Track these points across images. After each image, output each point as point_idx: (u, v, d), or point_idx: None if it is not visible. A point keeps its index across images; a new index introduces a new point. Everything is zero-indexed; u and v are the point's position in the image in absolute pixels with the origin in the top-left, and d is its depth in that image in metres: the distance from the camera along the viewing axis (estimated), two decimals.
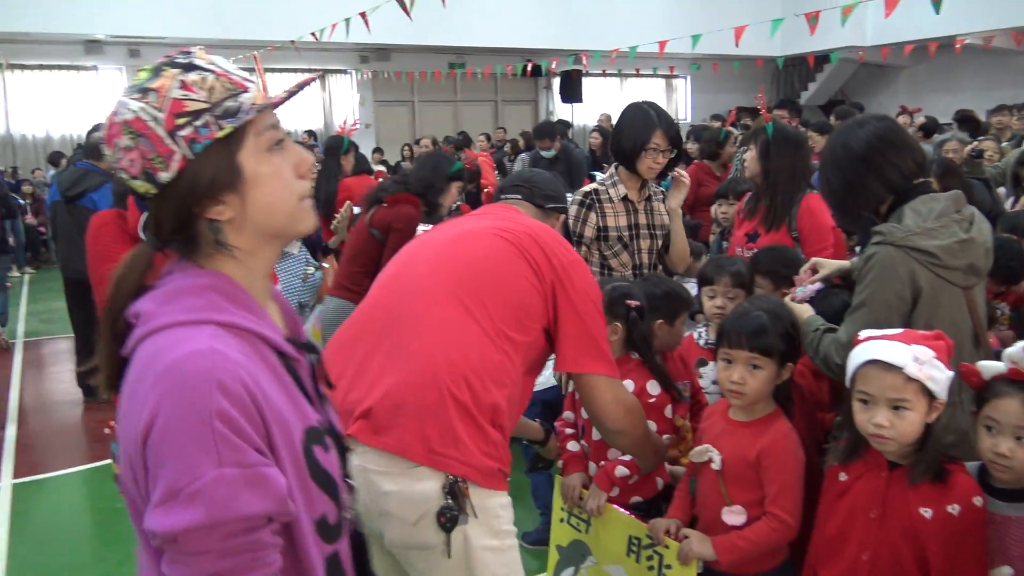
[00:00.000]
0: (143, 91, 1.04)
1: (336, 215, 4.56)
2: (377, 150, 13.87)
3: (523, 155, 12.29)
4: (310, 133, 13.94)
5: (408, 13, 6.10)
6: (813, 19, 6.94)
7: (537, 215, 2.25)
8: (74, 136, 13.74)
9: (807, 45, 13.56)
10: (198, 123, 1.03)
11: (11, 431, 5.25)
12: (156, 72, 1.06)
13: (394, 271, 2.07)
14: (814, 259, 2.46)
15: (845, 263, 2.42)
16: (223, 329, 1.02)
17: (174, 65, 1.06)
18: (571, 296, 1.94)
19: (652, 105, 3.16)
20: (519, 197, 2.29)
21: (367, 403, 1.78)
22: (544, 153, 7.86)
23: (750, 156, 3.47)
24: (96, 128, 6.39)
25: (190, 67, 1.06)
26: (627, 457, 2.30)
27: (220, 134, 1.04)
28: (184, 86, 1.04)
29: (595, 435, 2.34)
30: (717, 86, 18.30)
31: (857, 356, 1.79)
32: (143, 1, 12.65)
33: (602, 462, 2.37)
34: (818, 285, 2.35)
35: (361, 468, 1.72)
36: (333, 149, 5.93)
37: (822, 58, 15.04)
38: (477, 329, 1.85)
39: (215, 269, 1.09)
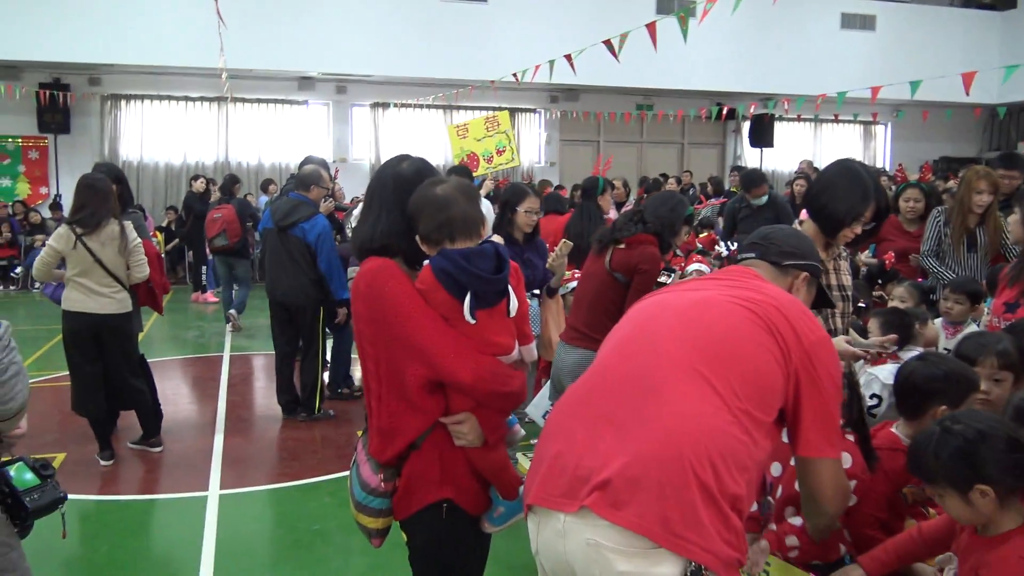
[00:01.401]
0: None
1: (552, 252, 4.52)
2: (560, 187, 13.98)
3: (713, 200, 12.02)
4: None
5: (616, 56, 6.07)
6: None
7: (775, 275, 2.12)
8: (283, 165, 14.78)
9: None
10: None
11: (219, 441, 5.58)
12: None
13: (631, 333, 1.96)
14: None
15: None
16: None
17: None
18: (818, 378, 1.83)
19: (866, 169, 2.87)
20: (754, 256, 2.16)
21: (604, 474, 1.67)
22: (755, 201, 7.73)
23: (1014, 220, 3.15)
24: (307, 161, 6.76)
25: None
26: (798, 522, 2.21)
27: None
28: None
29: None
30: (919, 134, 17.20)
31: None
32: (352, 42, 13.48)
33: (773, 525, 2.29)
34: None
35: (593, 543, 1.64)
36: (589, 191, 6.04)
37: None
38: (721, 406, 1.73)
39: None
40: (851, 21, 16.40)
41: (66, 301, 4.86)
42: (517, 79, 8.51)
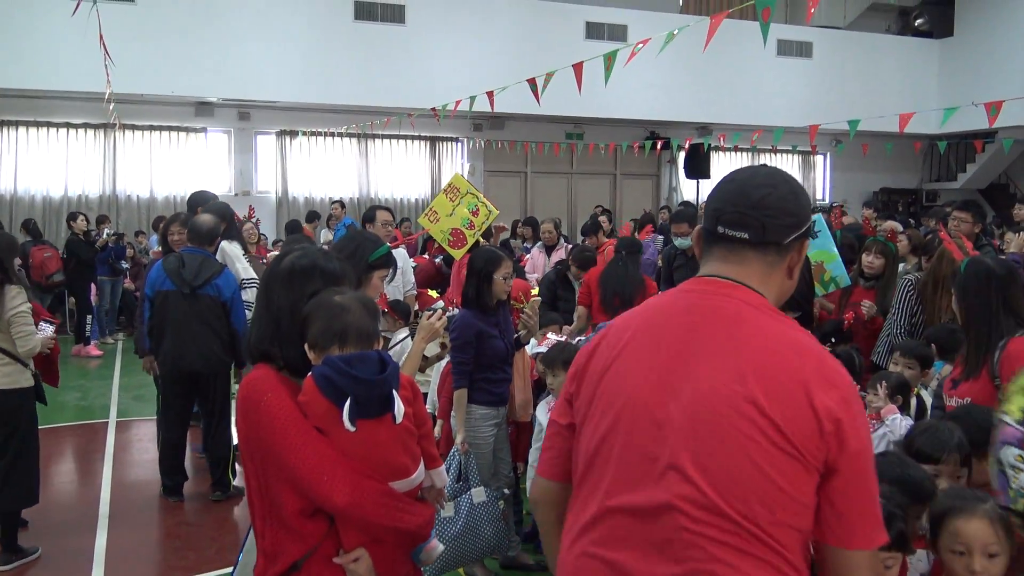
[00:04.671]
0: None
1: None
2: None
3: (650, 240, 12.13)
4: (339, 203, 14.21)
5: (538, 98, 6.13)
6: (994, 109, 6.63)
7: (771, 263, 1.72)
8: (177, 198, 14.45)
9: (973, 122, 13.11)
10: None
11: (102, 537, 5.27)
12: None
13: (615, 416, 1.69)
14: None
15: None
16: None
17: None
18: (854, 460, 1.58)
19: (806, 265, 2.97)
20: (747, 237, 1.70)
21: None
22: (679, 242, 7.26)
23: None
24: (198, 199, 6.57)
25: None
26: None
27: None
28: None
29: None
30: (859, 164, 17.88)
31: None
32: (256, 65, 13.33)
33: None
34: None
35: None
36: (634, 247, 6.52)
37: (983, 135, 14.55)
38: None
39: None
40: (787, 48, 17.00)
41: None
42: (436, 114, 8.53)
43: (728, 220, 1.71)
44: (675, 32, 4.97)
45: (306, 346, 2.08)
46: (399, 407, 2.04)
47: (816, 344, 1.70)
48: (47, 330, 4.76)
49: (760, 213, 1.69)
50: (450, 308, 6.01)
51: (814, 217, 5.83)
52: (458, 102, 7.79)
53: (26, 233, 11.75)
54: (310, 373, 2.05)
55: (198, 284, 5.58)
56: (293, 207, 15.11)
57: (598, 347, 1.79)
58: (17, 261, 4.69)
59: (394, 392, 2.04)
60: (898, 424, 3.62)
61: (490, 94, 7.00)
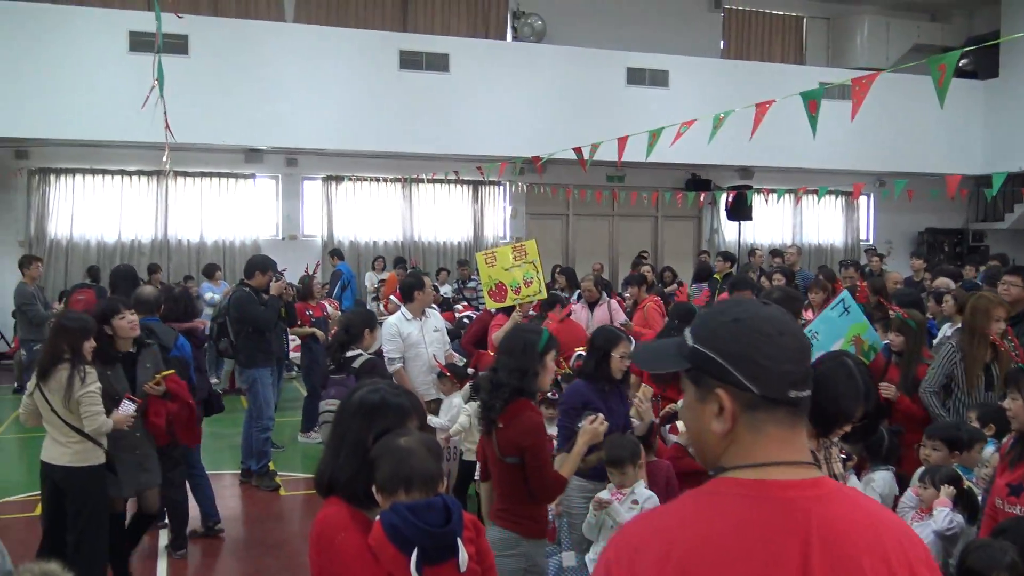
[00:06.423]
0: None
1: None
2: None
3: (694, 287, 12.16)
4: (336, 253, 14.40)
5: (584, 167, 6.30)
6: None
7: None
8: (227, 243, 14.84)
9: (1020, 162, 13.00)
10: None
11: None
12: None
13: None
14: None
15: None
16: None
17: None
18: None
19: (858, 366, 3.05)
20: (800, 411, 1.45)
21: None
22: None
23: (1016, 406, 3.34)
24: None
25: None
26: None
27: None
28: None
29: None
30: (903, 205, 17.74)
31: None
32: (304, 114, 13.69)
33: None
34: None
35: None
36: (684, 315, 6.54)
37: None
38: None
39: None
40: (830, 90, 16.99)
41: None
42: (482, 171, 8.73)
43: (800, 381, 1.42)
44: (722, 116, 5.08)
45: (374, 488, 2.22)
46: (463, 556, 2.16)
47: None
48: (128, 408, 4.88)
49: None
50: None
51: (841, 295, 5.91)
52: (503, 165, 7.99)
53: (89, 278, 12.09)
54: (379, 518, 2.18)
55: None
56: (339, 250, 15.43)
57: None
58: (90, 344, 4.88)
59: (459, 541, 2.16)
60: (943, 516, 3.67)
61: (535, 159, 7.18)
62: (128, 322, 5.04)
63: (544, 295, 7.00)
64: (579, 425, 4.06)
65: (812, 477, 1.40)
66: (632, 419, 4.69)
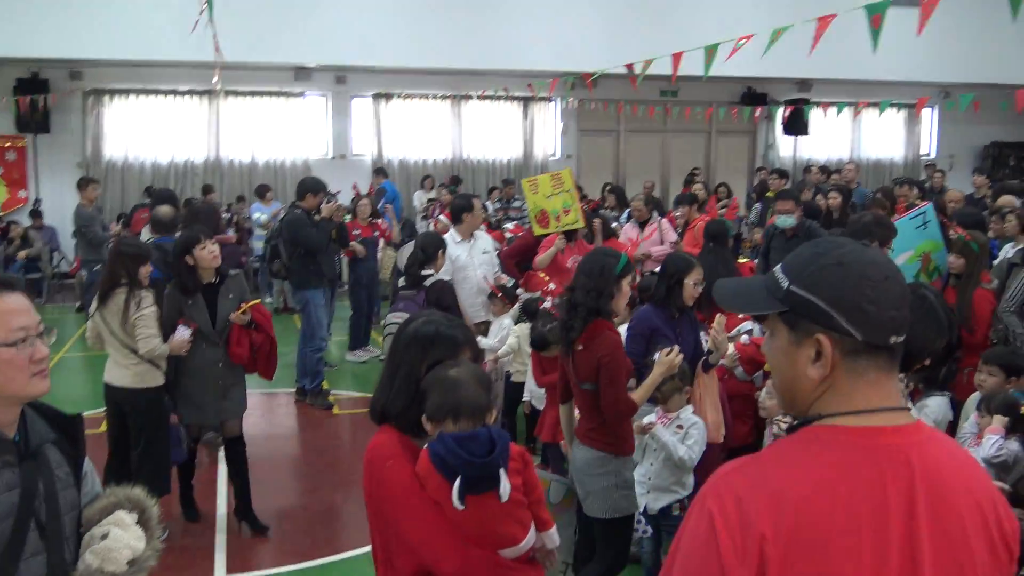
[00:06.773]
0: None
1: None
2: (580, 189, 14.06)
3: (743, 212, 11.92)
4: (381, 171, 14.13)
5: (635, 84, 6.16)
6: None
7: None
8: (278, 163, 14.92)
9: None
10: None
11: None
12: None
13: None
14: None
15: None
16: None
17: None
18: None
19: (938, 298, 2.99)
20: (893, 359, 1.45)
21: None
22: (780, 220, 7.34)
23: None
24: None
25: None
26: None
27: None
28: None
29: None
30: (969, 116, 17.12)
31: None
32: (353, 31, 13.52)
33: None
34: None
35: None
36: (720, 236, 6.58)
37: None
38: None
39: None
40: None
41: None
42: (532, 89, 8.60)
43: (902, 326, 1.43)
44: (779, 31, 4.91)
45: (423, 418, 2.26)
46: (505, 486, 2.19)
47: None
48: (184, 333, 4.97)
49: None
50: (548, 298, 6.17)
51: (925, 207, 5.73)
52: (554, 81, 7.85)
53: (148, 197, 12.23)
54: (425, 447, 2.23)
55: None
56: (388, 170, 15.41)
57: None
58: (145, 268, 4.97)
59: (501, 472, 2.19)
60: (990, 443, 3.64)
61: (587, 76, 7.05)
62: (209, 252, 5.02)
63: (581, 224, 6.97)
64: (654, 357, 4.11)
65: (912, 423, 1.41)
66: (708, 351, 4.60)
